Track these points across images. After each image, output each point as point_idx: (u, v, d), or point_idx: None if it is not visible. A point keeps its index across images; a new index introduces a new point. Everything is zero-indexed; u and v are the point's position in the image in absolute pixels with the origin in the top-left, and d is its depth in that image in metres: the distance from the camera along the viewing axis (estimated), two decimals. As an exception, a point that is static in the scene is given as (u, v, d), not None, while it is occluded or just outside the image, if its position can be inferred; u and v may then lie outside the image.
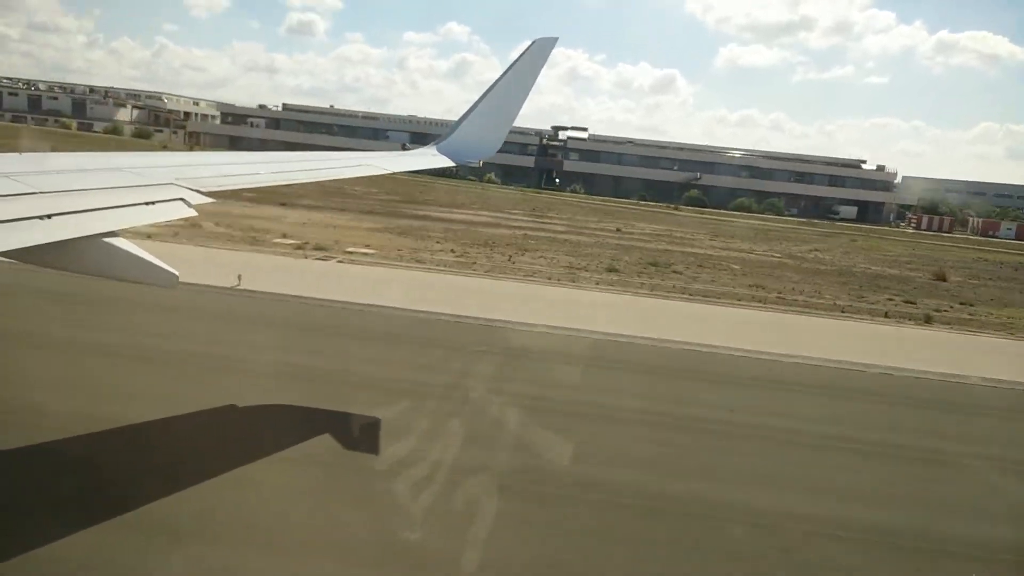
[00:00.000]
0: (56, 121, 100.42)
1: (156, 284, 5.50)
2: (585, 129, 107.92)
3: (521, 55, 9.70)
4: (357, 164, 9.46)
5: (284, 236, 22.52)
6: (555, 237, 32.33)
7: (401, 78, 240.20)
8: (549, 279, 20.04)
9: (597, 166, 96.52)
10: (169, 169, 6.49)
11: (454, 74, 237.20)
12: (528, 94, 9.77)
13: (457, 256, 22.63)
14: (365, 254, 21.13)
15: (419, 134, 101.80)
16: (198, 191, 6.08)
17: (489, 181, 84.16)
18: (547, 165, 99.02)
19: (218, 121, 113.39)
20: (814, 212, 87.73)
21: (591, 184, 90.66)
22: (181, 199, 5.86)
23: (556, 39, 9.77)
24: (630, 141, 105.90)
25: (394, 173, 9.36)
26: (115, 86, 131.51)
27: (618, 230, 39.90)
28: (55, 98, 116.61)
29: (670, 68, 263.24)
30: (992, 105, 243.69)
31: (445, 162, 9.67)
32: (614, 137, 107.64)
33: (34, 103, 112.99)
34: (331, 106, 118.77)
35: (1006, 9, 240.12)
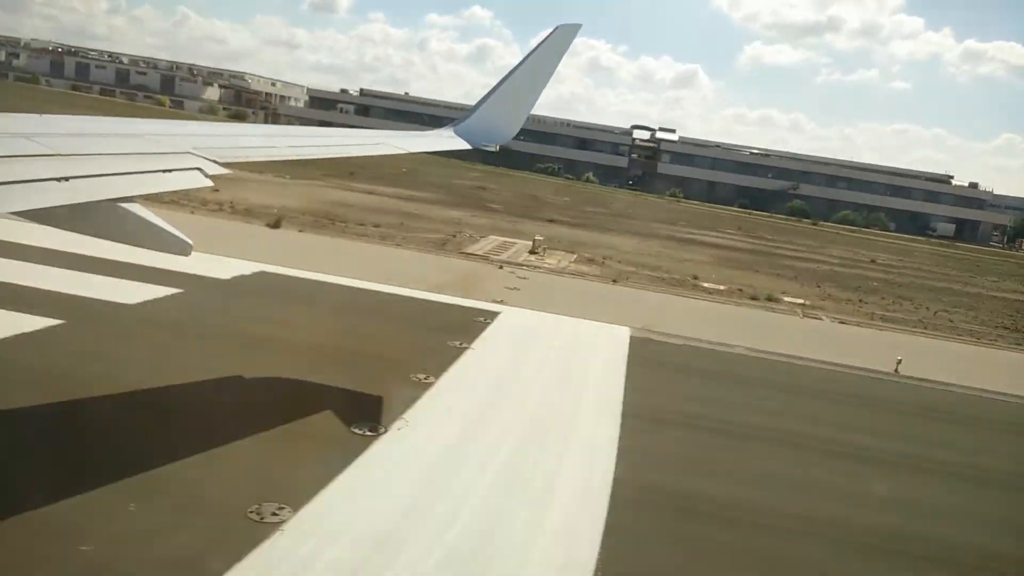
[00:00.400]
0: (146, 97, 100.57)
1: (170, 251, 5.57)
2: (673, 131, 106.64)
3: (543, 41, 9.65)
4: (376, 143, 9.47)
5: (696, 278, 22.10)
6: (893, 278, 31.46)
7: (421, 60, 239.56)
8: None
9: (691, 170, 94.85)
10: (188, 138, 6.52)
11: (475, 58, 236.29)
12: (549, 81, 9.73)
13: (887, 307, 21.89)
14: (804, 305, 19.92)
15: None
16: (215, 161, 6.11)
17: (588, 180, 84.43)
18: (641, 167, 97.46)
19: (301, 104, 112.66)
20: (911, 228, 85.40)
21: (684, 188, 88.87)
22: (198, 168, 5.89)
23: (579, 26, 9.70)
24: (718, 145, 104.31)
25: (412, 153, 9.37)
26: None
27: (872, 261, 38.76)
28: (143, 73, 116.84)
29: (692, 63, 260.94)
30: (1016, 117, 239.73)
31: (462, 144, 9.66)
32: (702, 140, 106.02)
33: (122, 77, 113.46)
34: (406, 93, 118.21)
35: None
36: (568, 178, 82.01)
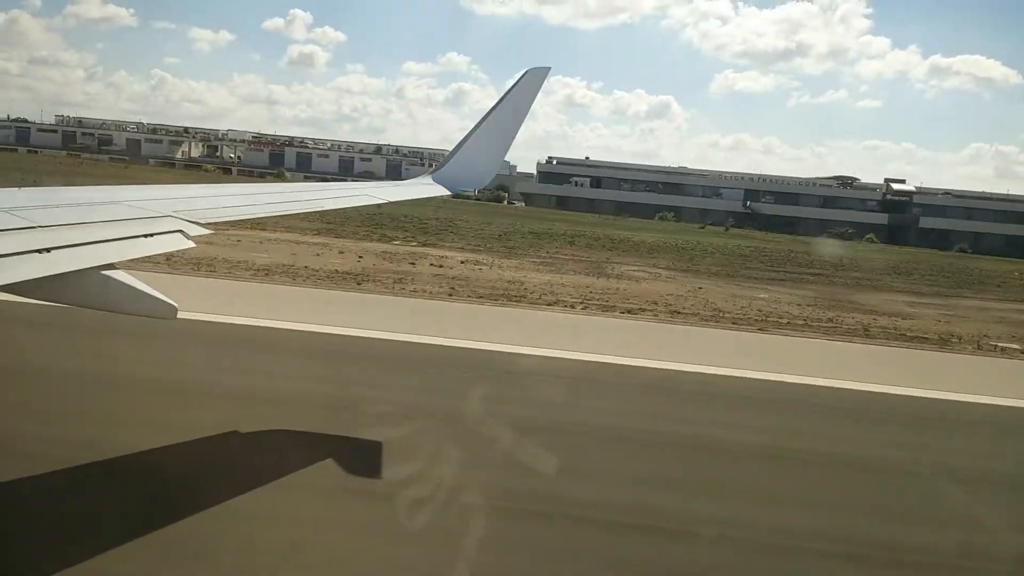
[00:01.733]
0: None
1: (155, 316, 5.54)
2: (903, 181, 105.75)
3: (515, 84, 9.85)
4: (355, 195, 9.57)
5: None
6: None
7: (398, 107, 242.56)
8: None
9: (954, 222, 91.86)
10: (167, 202, 6.55)
11: (452, 103, 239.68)
12: (522, 122, 9.92)
13: None
14: None
15: (752, 191, 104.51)
16: (196, 223, 6.14)
17: (870, 240, 78.02)
18: (902, 222, 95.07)
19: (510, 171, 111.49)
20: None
21: (943, 241, 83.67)
22: (179, 231, 5.92)
23: (549, 68, 9.94)
24: (950, 193, 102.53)
25: (390, 202, 9.45)
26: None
27: None
28: (368, 159, 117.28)
29: (665, 95, 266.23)
30: (982, 127, 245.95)
31: (441, 191, 9.76)
32: (940, 189, 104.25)
33: (345, 165, 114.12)
34: (586, 157, 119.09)
35: (999, 33, 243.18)
36: (806, 237, 70.91)
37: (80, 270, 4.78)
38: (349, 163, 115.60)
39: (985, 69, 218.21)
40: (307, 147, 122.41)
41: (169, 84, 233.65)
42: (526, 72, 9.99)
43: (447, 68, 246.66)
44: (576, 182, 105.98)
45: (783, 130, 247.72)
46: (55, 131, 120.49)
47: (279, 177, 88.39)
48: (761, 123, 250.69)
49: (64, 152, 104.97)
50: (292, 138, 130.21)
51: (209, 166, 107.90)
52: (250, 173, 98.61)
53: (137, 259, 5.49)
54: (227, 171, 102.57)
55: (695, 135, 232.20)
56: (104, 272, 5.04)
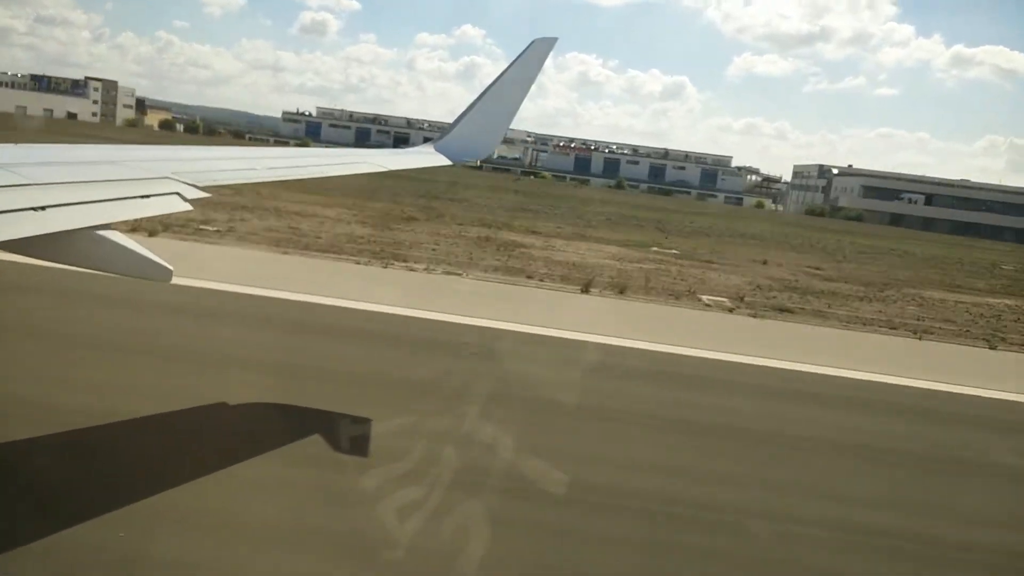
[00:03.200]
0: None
1: (150, 278, 5.55)
2: None
3: (520, 55, 9.73)
4: (356, 162, 9.50)
5: None
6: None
7: (408, 79, 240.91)
8: None
9: None
10: (166, 163, 6.52)
11: (463, 76, 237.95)
12: (526, 94, 9.79)
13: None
14: None
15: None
16: (194, 185, 6.12)
17: None
18: None
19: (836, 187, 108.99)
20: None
21: None
22: (177, 193, 5.90)
23: (555, 39, 9.78)
24: None
25: (392, 171, 9.40)
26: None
27: None
28: (682, 167, 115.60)
29: (680, 75, 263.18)
30: (1000, 119, 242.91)
31: (443, 160, 9.70)
32: None
33: (656, 172, 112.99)
34: (849, 165, 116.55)
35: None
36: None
37: (75, 230, 4.78)
38: (660, 170, 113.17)
39: (1009, 60, 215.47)
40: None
41: (176, 47, 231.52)
42: (533, 42, 9.86)
43: (461, 41, 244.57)
44: (910, 199, 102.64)
45: (796, 115, 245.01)
46: (348, 127, 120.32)
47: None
48: (774, 107, 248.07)
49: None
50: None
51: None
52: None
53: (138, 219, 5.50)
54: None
55: (707, 117, 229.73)
56: (99, 232, 5.04)
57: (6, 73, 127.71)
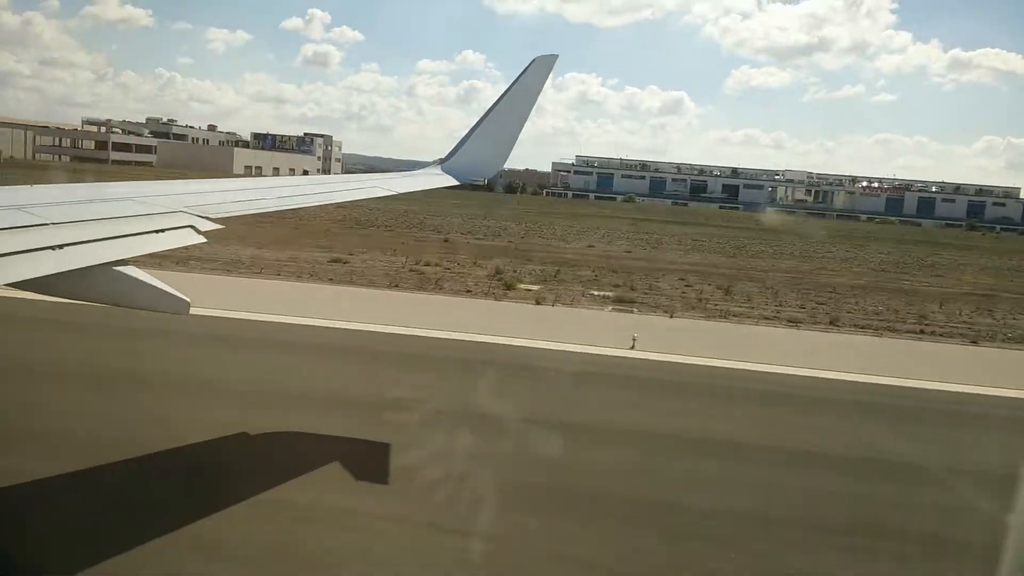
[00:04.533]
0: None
1: (167, 311, 5.57)
2: None
3: (522, 73, 9.78)
4: (365, 187, 9.54)
5: None
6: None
7: (408, 104, 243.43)
8: None
9: None
10: (177, 197, 6.58)
11: (463, 100, 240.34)
12: (531, 111, 9.84)
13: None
14: None
15: None
16: (207, 218, 6.17)
17: None
18: None
19: None
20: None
21: None
22: (190, 226, 5.95)
23: (556, 57, 9.83)
24: None
25: (400, 193, 9.43)
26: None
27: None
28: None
29: (678, 90, 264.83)
30: (997, 120, 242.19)
31: (450, 181, 9.73)
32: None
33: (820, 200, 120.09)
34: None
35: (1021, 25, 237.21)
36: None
37: (92, 266, 4.82)
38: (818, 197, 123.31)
39: (1006, 62, 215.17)
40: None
41: (178, 84, 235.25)
42: (533, 60, 9.91)
43: (462, 66, 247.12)
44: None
45: (793, 125, 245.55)
46: (684, 180, 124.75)
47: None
48: (771, 118, 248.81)
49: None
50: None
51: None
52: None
53: (152, 254, 5.54)
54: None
55: (706, 130, 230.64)
56: (116, 268, 5.07)
57: (234, 133, 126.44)
